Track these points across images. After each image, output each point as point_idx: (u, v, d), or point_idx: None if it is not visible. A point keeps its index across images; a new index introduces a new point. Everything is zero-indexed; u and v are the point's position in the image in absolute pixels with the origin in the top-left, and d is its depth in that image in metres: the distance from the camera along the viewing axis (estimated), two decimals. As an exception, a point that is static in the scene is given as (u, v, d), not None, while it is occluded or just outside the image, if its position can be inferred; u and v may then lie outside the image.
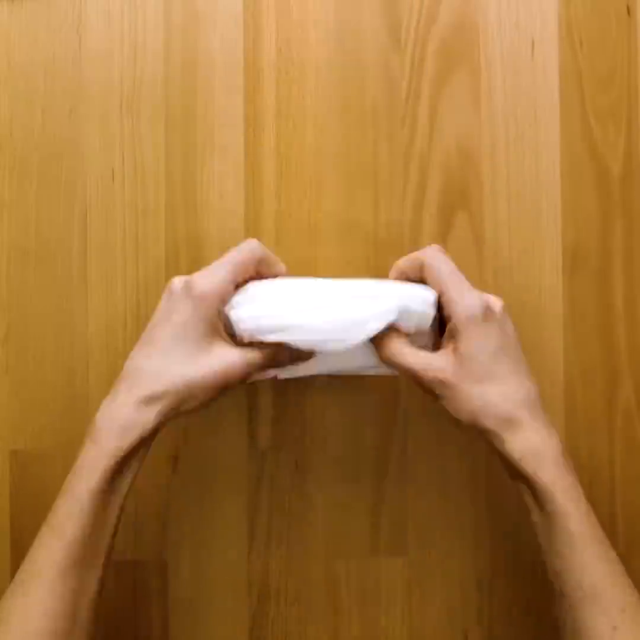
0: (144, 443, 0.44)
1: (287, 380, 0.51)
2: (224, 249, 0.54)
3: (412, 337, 0.48)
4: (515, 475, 0.46)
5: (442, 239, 0.55)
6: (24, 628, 0.42)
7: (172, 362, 0.44)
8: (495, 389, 0.45)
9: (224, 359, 0.45)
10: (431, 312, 0.48)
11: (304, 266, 0.54)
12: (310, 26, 0.55)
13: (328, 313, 0.46)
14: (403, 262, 0.51)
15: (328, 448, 0.55)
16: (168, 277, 0.54)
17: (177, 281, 0.46)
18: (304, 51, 0.55)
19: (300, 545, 0.55)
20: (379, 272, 0.55)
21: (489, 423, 0.45)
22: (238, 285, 0.47)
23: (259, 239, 0.54)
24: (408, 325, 0.48)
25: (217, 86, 0.54)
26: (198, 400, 0.45)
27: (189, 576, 0.54)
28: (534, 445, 0.45)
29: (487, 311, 0.46)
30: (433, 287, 0.48)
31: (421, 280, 0.49)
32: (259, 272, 0.49)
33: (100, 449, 0.43)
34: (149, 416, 0.44)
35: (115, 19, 0.54)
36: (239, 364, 0.45)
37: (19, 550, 0.53)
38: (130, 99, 0.54)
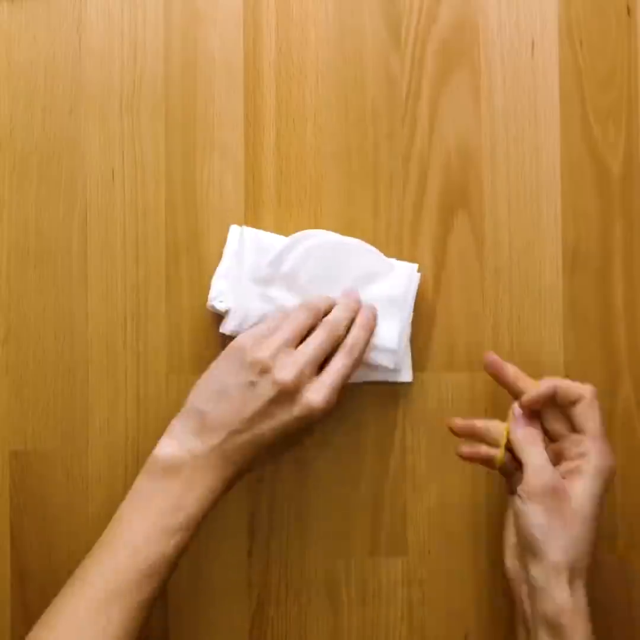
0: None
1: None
2: (224, 249, 0.54)
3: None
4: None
5: (442, 239, 0.55)
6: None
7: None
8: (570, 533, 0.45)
9: (307, 405, 0.47)
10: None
11: (304, 266, 0.54)
12: (310, 26, 0.55)
13: None
14: (560, 384, 0.48)
15: (328, 448, 0.55)
16: (168, 277, 0.54)
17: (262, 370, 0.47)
18: (304, 51, 0.55)
19: (300, 545, 0.55)
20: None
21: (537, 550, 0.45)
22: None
23: (259, 239, 0.54)
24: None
25: (217, 86, 0.54)
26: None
27: (189, 576, 0.54)
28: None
29: (613, 472, 0.48)
30: (581, 428, 0.48)
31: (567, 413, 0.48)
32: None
33: (173, 517, 0.45)
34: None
35: (115, 18, 0.54)
36: (319, 404, 0.47)
37: (19, 550, 0.53)
38: (130, 98, 0.54)
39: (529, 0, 0.55)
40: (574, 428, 0.48)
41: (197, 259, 0.54)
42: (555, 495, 0.45)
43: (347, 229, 0.55)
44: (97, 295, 0.54)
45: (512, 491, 0.48)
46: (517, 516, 0.46)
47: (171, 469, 0.46)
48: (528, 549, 0.46)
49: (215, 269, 0.54)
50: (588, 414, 0.47)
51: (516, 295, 0.55)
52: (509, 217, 0.55)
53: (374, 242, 0.55)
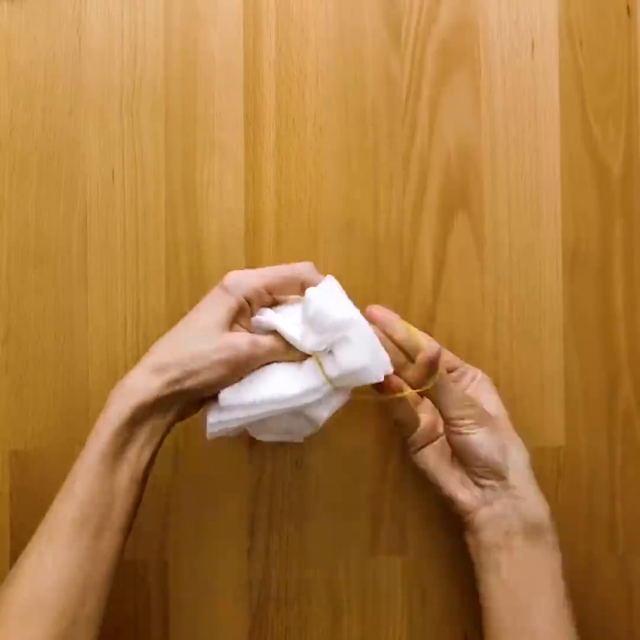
0: (150, 413, 0.45)
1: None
2: (224, 249, 0.54)
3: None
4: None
5: (442, 239, 0.55)
6: (34, 587, 0.42)
7: (186, 339, 0.46)
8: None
9: (231, 340, 0.46)
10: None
11: (304, 266, 0.54)
12: (310, 26, 0.55)
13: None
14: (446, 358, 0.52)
15: (328, 448, 0.55)
16: (168, 277, 0.54)
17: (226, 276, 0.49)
18: (304, 51, 0.55)
19: (300, 546, 0.55)
20: (379, 272, 0.55)
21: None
22: (276, 298, 0.49)
23: (259, 239, 0.54)
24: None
25: (217, 86, 0.54)
26: (202, 377, 0.45)
27: (189, 576, 0.54)
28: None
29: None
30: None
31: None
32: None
33: (106, 412, 0.45)
34: (153, 383, 0.45)
35: (115, 19, 0.54)
36: (244, 345, 0.46)
37: (19, 550, 0.53)
38: (130, 99, 0.54)
39: (529, 0, 0.55)
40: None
41: (197, 259, 0.54)
42: (488, 416, 0.49)
43: (347, 229, 0.55)
44: (97, 295, 0.54)
45: (408, 434, 0.51)
46: (468, 447, 0.48)
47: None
48: (489, 471, 0.48)
49: (215, 269, 0.54)
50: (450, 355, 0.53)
51: (516, 295, 0.55)
52: (509, 218, 0.55)
53: (374, 242, 0.55)
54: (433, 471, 0.50)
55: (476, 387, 0.52)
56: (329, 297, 0.47)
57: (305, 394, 0.46)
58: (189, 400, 0.47)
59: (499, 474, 0.48)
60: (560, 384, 0.55)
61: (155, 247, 0.54)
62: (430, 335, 0.55)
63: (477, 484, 0.49)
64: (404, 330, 0.48)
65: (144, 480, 0.46)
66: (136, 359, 0.53)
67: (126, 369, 0.53)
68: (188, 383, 0.45)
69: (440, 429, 0.51)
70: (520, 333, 0.55)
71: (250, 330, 0.48)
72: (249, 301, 0.47)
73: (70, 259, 0.54)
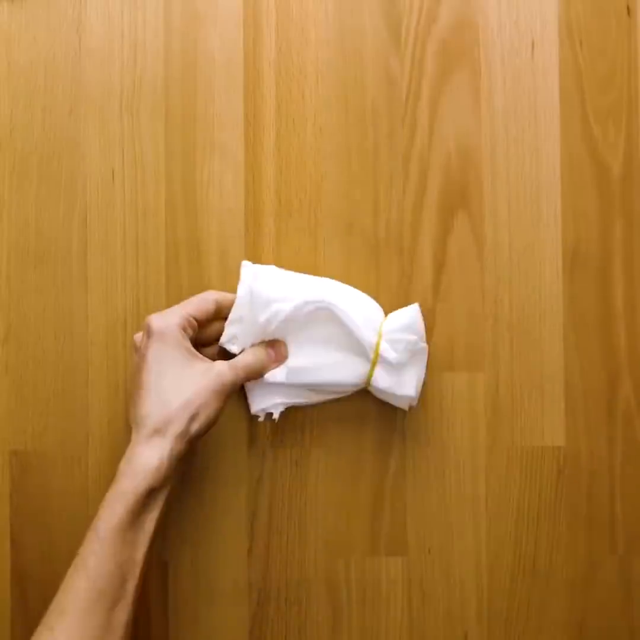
0: (165, 479, 0.46)
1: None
2: (224, 249, 0.54)
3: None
4: None
5: (442, 239, 0.55)
6: None
7: (164, 394, 0.46)
8: None
9: (210, 370, 0.47)
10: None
11: (304, 266, 0.54)
12: (310, 26, 0.55)
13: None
14: None
15: (328, 448, 0.55)
16: (168, 277, 0.54)
17: (136, 335, 0.50)
18: (304, 51, 0.55)
19: (300, 545, 0.55)
20: (379, 271, 0.55)
21: None
22: (200, 323, 0.50)
23: (259, 239, 0.54)
24: None
25: (217, 86, 0.54)
26: (204, 417, 0.46)
27: (189, 576, 0.54)
28: None
29: None
30: None
31: None
32: (218, 312, 0.51)
33: (120, 486, 0.45)
34: (162, 446, 0.45)
35: (115, 19, 0.54)
36: (225, 369, 0.48)
37: (19, 550, 0.53)
38: (130, 99, 0.54)
39: (529, 0, 0.55)
40: None
41: (197, 259, 0.54)
42: None
43: (347, 229, 0.55)
44: (97, 295, 0.54)
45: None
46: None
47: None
48: None
49: (215, 269, 0.54)
50: None
51: (516, 295, 0.55)
52: (509, 218, 0.55)
53: (374, 242, 0.55)
54: None
55: None
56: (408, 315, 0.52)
57: (343, 387, 0.52)
58: (196, 440, 0.47)
59: None
60: (560, 384, 0.55)
61: (155, 247, 0.54)
62: (430, 335, 0.55)
63: None
64: None
65: (156, 542, 0.46)
66: (136, 359, 0.54)
67: (126, 369, 0.54)
68: (193, 427, 0.46)
69: None
70: (520, 333, 0.55)
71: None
72: (184, 330, 0.48)
73: (70, 259, 0.54)
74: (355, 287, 0.53)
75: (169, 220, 0.54)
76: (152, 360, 0.47)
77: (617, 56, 0.56)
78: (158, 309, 0.54)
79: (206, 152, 0.54)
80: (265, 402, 0.51)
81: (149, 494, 0.45)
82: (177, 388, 0.46)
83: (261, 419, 0.52)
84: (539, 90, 0.56)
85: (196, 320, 0.49)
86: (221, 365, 0.48)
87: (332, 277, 0.54)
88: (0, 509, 0.54)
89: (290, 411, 0.54)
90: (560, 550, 0.55)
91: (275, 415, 0.51)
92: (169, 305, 0.54)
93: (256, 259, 0.54)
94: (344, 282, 0.53)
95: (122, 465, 0.45)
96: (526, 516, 0.54)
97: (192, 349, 0.48)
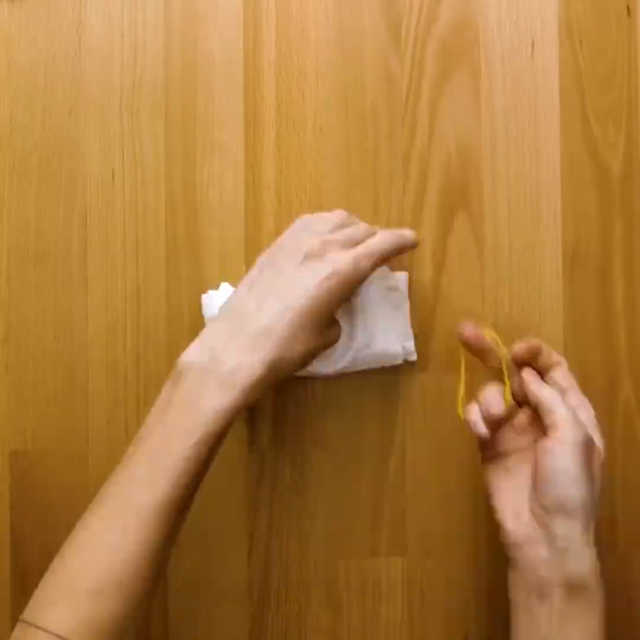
0: (253, 393, 0.43)
1: (285, 381, 0.51)
2: (224, 249, 0.54)
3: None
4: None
5: (442, 239, 0.55)
6: (112, 561, 0.41)
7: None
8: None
9: (331, 262, 0.46)
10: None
11: (304, 266, 0.54)
12: (310, 26, 0.55)
13: None
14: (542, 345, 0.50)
15: (328, 448, 0.55)
16: (168, 277, 0.54)
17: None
18: (304, 51, 0.55)
19: (300, 545, 0.55)
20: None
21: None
22: None
23: (259, 239, 0.54)
24: None
25: (217, 86, 0.54)
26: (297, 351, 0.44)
27: (189, 576, 0.54)
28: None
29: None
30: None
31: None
32: None
33: (223, 390, 0.42)
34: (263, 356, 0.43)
35: (115, 19, 0.54)
36: (349, 262, 0.46)
37: (19, 550, 0.53)
38: (130, 99, 0.54)
39: (529, 0, 0.55)
40: None
41: (197, 259, 0.54)
42: (590, 448, 0.45)
43: (347, 229, 0.55)
44: (97, 295, 0.54)
45: (490, 457, 0.49)
46: (546, 472, 0.45)
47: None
48: (558, 507, 0.44)
49: (215, 269, 0.54)
50: (568, 376, 0.50)
51: (516, 295, 0.55)
52: (509, 218, 0.55)
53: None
54: (493, 488, 0.48)
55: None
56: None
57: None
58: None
59: (570, 513, 0.44)
60: (560, 384, 0.55)
61: (155, 247, 0.54)
62: (431, 335, 0.55)
63: (539, 519, 0.45)
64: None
65: None
66: (136, 359, 0.54)
67: (126, 368, 0.54)
68: (287, 355, 0.44)
69: (510, 449, 0.49)
70: (520, 333, 0.55)
71: None
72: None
73: (70, 259, 0.54)
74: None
75: (169, 220, 0.54)
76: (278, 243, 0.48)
77: (617, 56, 0.56)
78: (158, 308, 0.54)
79: (206, 152, 0.54)
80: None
81: (236, 410, 0.42)
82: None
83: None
84: (539, 90, 0.56)
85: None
86: (342, 256, 0.46)
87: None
88: (0, 508, 0.54)
89: (290, 411, 0.54)
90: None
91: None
92: (168, 305, 0.54)
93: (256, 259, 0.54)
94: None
95: (204, 379, 0.43)
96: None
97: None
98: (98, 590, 0.40)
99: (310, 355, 0.46)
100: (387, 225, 0.55)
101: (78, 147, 0.54)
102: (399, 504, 0.55)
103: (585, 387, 0.55)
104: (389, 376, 0.55)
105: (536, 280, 0.55)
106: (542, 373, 0.50)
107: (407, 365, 0.54)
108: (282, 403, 0.55)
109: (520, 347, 0.49)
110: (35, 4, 0.54)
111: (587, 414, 0.49)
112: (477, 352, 0.50)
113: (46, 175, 0.54)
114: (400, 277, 0.54)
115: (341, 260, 0.45)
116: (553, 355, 0.50)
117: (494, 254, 0.55)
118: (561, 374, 0.50)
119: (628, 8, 0.56)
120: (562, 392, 0.49)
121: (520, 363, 0.50)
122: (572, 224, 0.56)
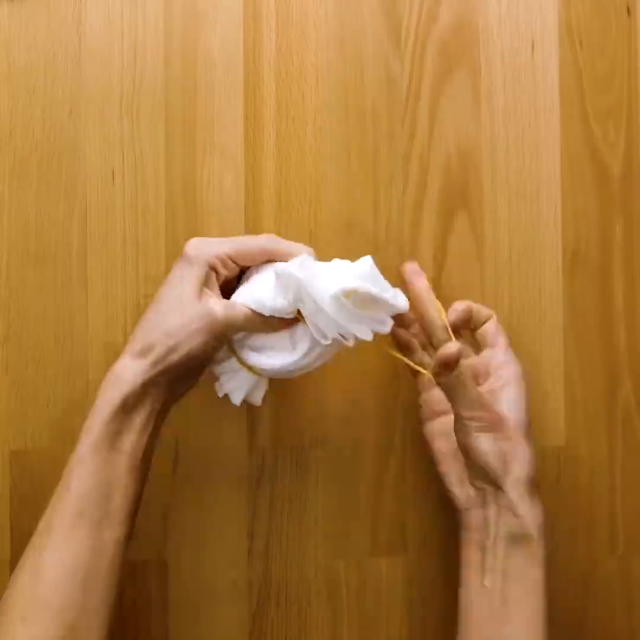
0: (141, 397, 0.45)
1: (285, 380, 0.51)
2: (224, 249, 0.54)
3: None
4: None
5: (442, 239, 0.55)
6: (34, 585, 0.42)
7: (162, 317, 0.47)
8: None
9: (205, 307, 0.46)
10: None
11: (304, 266, 0.54)
12: (310, 26, 0.55)
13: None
14: (472, 305, 0.52)
15: (328, 448, 0.55)
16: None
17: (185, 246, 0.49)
18: (304, 51, 0.55)
19: (300, 545, 0.55)
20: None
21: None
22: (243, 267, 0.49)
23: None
24: None
25: (217, 86, 0.54)
26: (184, 349, 0.46)
27: (189, 576, 0.54)
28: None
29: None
30: (492, 343, 0.52)
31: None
32: (268, 259, 0.49)
33: (96, 403, 0.45)
34: (139, 367, 0.45)
35: (115, 19, 0.54)
36: (219, 311, 0.46)
37: (19, 550, 0.53)
38: (130, 99, 0.54)
39: (529, 0, 0.55)
40: (478, 346, 0.53)
41: (197, 259, 0.54)
42: (499, 422, 0.48)
43: (347, 229, 0.55)
44: (97, 295, 0.54)
45: (427, 417, 0.52)
46: (470, 451, 0.48)
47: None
48: (487, 478, 0.48)
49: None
50: (498, 329, 0.52)
51: (516, 295, 0.55)
52: (509, 217, 0.55)
53: (374, 242, 0.55)
54: (436, 453, 0.51)
55: (502, 386, 0.50)
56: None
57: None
58: (177, 376, 0.46)
59: (495, 483, 0.47)
60: (560, 384, 0.55)
61: (155, 247, 0.54)
62: (430, 335, 0.55)
63: (472, 483, 0.49)
64: (433, 316, 0.51)
65: (143, 468, 0.46)
66: (136, 359, 0.53)
67: (126, 369, 0.53)
68: (172, 358, 0.45)
69: (447, 409, 0.50)
70: (520, 333, 0.55)
71: (222, 295, 0.48)
72: (213, 268, 0.47)
73: (70, 259, 0.54)
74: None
75: (169, 220, 0.54)
76: (168, 283, 0.48)
77: (617, 56, 0.56)
78: (158, 309, 0.54)
79: (206, 152, 0.54)
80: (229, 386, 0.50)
81: (124, 409, 0.45)
82: (170, 317, 0.46)
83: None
84: (539, 90, 0.56)
85: (236, 262, 0.48)
86: (214, 303, 0.47)
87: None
88: (0, 508, 0.54)
89: (290, 411, 0.54)
90: (560, 550, 0.55)
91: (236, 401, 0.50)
92: (169, 305, 0.54)
93: (256, 259, 0.54)
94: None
95: (105, 378, 0.46)
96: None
97: (212, 285, 0.47)
98: (23, 617, 0.42)
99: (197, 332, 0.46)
100: (387, 225, 0.55)
101: (78, 147, 0.54)
102: (399, 504, 0.55)
103: (586, 388, 0.55)
104: (389, 376, 0.55)
105: (536, 280, 0.56)
106: (475, 329, 0.53)
107: (407, 365, 0.54)
108: (282, 403, 0.55)
109: (457, 316, 0.51)
110: (35, 4, 0.54)
111: (509, 370, 0.51)
112: (414, 299, 0.51)
113: (46, 175, 0.54)
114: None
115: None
116: (482, 310, 0.52)
117: (494, 254, 0.55)
118: (490, 327, 0.52)
119: (628, 8, 0.56)
120: (491, 347, 0.51)
121: (459, 328, 0.51)
122: (572, 224, 0.56)
